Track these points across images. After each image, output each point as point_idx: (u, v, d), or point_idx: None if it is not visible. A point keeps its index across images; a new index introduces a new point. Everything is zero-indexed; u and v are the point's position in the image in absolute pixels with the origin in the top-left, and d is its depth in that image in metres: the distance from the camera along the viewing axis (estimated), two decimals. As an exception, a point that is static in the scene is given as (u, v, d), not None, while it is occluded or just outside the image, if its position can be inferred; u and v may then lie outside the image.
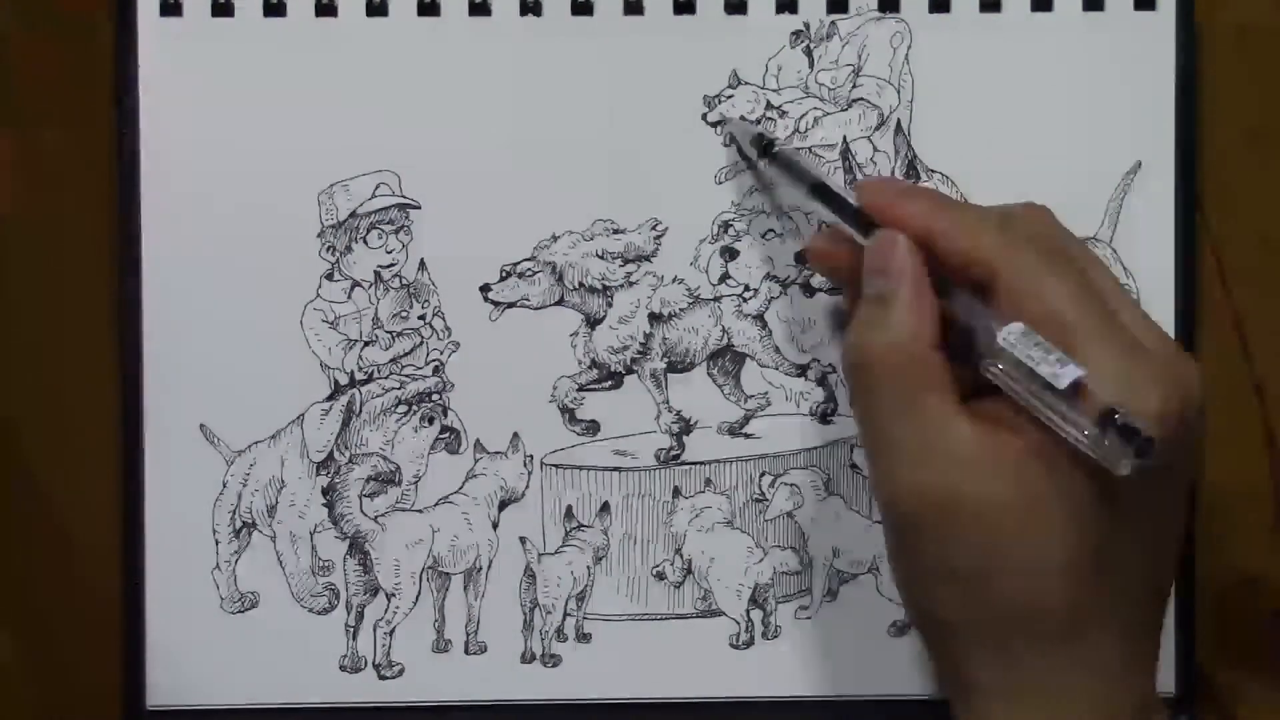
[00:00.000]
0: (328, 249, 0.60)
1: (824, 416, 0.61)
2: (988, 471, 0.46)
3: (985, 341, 0.47)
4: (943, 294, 0.49)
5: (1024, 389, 0.46)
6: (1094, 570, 0.46)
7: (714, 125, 0.60)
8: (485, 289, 0.60)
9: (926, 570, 0.48)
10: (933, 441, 0.47)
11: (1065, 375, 0.45)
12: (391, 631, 0.60)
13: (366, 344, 0.60)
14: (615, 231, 0.60)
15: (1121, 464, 0.44)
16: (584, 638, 0.61)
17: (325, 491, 0.60)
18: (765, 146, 0.58)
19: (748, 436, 0.61)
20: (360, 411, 0.60)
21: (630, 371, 0.61)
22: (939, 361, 0.48)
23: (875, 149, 0.60)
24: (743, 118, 0.59)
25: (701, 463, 0.61)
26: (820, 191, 0.54)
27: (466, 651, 0.61)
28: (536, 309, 0.60)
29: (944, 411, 0.47)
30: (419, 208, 0.60)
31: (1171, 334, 0.60)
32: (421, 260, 0.60)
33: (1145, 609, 0.48)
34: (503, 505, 0.61)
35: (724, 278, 0.61)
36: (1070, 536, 0.46)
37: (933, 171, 0.60)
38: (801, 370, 0.61)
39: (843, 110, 0.60)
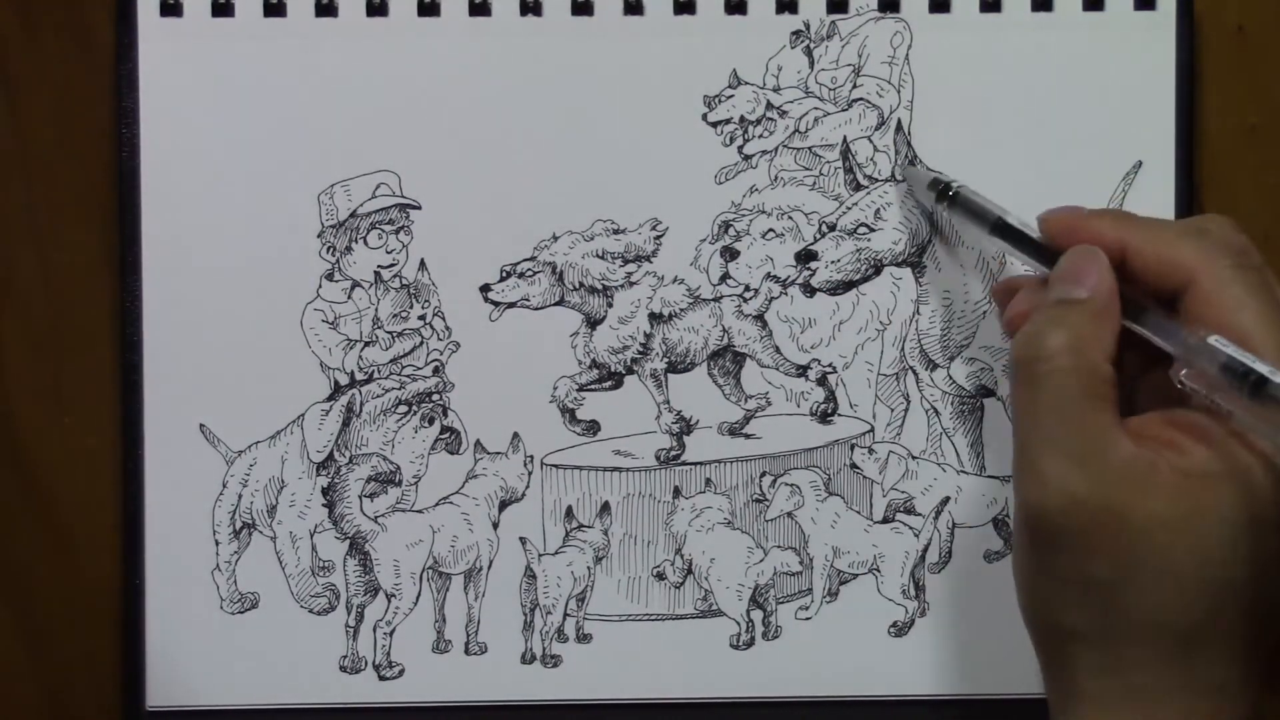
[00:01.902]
0: (328, 249, 0.60)
1: (824, 416, 0.61)
2: (1144, 486, 0.46)
3: (1186, 349, 0.47)
4: (1131, 315, 0.49)
5: (1224, 398, 0.46)
6: (1226, 591, 0.46)
7: (714, 125, 0.60)
8: (485, 289, 0.60)
9: (1059, 575, 0.48)
10: (1093, 449, 0.47)
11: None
12: (391, 632, 0.60)
13: (366, 344, 0.60)
14: (615, 231, 0.60)
15: None
16: (584, 638, 0.60)
17: (325, 492, 0.60)
18: (943, 190, 0.57)
19: (748, 436, 0.61)
20: (360, 411, 0.60)
21: (630, 371, 0.61)
22: (1111, 375, 0.48)
23: (875, 149, 0.60)
24: (916, 163, 0.60)
25: (701, 463, 0.61)
26: (1001, 229, 0.54)
27: (466, 652, 0.61)
28: (536, 309, 0.60)
29: (1108, 422, 0.47)
30: (419, 208, 0.60)
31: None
32: (421, 260, 0.60)
33: (1263, 631, 0.48)
34: (503, 505, 0.61)
35: (724, 278, 0.61)
36: (1212, 558, 0.46)
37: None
38: (801, 370, 0.61)
39: (843, 110, 0.60)
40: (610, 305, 0.60)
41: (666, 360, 0.61)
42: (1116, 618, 0.47)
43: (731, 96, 0.60)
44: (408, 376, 0.60)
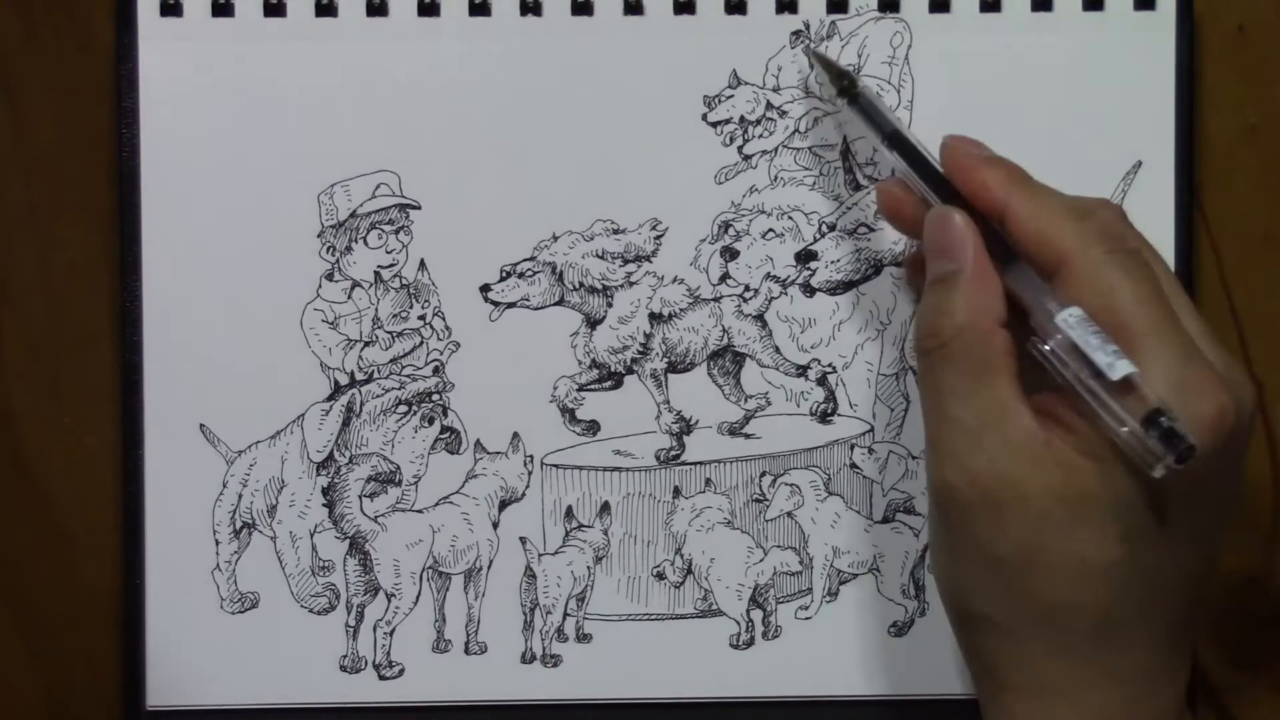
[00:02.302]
0: (328, 249, 0.60)
1: (824, 416, 0.61)
2: (1043, 463, 0.46)
3: (1040, 319, 0.47)
4: (1005, 261, 0.49)
5: (1073, 374, 0.46)
6: (1132, 575, 0.46)
7: (714, 125, 0.60)
8: (485, 289, 0.60)
9: (969, 557, 0.48)
10: (992, 426, 0.47)
11: (1119, 367, 0.45)
12: (391, 631, 0.60)
13: (366, 344, 0.60)
14: (615, 231, 0.60)
15: (1158, 466, 0.44)
16: (584, 638, 0.60)
17: (325, 491, 0.60)
18: (847, 87, 0.55)
19: (748, 436, 0.61)
20: (360, 411, 0.60)
21: (630, 371, 0.61)
22: (1005, 341, 0.48)
23: (875, 149, 0.60)
24: (818, 53, 0.58)
25: (701, 463, 0.61)
26: (897, 142, 0.53)
27: (466, 651, 0.61)
28: (536, 309, 0.60)
29: (1006, 396, 0.47)
30: (419, 208, 0.60)
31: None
32: (421, 260, 0.60)
33: (1179, 620, 0.48)
34: (503, 505, 0.61)
35: (724, 278, 0.61)
36: (1113, 539, 0.46)
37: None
38: (801, 370, 0.61)
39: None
40: (610, 305, 0.60)
41: (666, 360, 0.61)
42: (1025, 602, 0.47)
43: (731, 96, 0.60)
44: (408, 376, 0.60)
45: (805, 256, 0.60)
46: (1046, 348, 0.47)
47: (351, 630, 0.60)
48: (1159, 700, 0.48)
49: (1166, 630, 0.48)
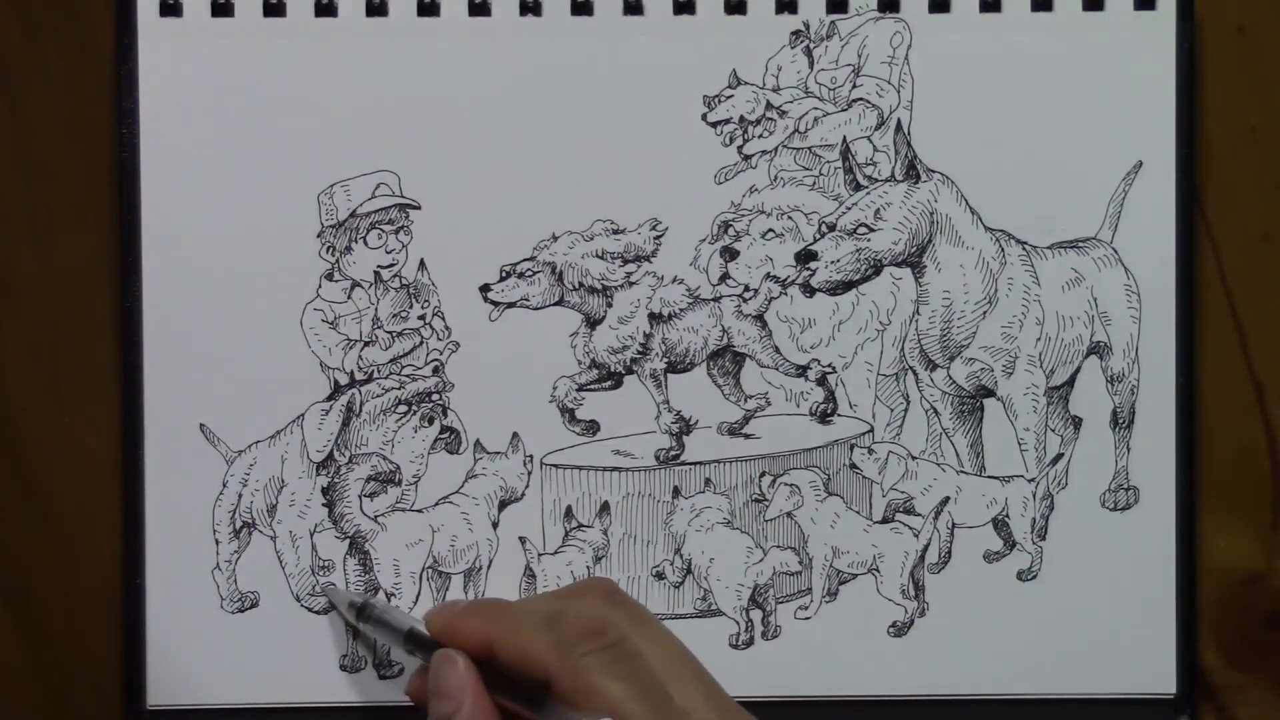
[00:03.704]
0: (328, 249, 0.60)
1: (824, 416, 0.61)
2: None
3: None
4: (538, 708, 0.50)
5: None
6: None
7: (714, 125, 0.60)
8: (485, 289, 0.60)
9: None
10: None
11: None
12: (391, 631, 0.60)
13: (366, 344, 0.60)
14: (615, 231, 0.60)
15: None
16: (584, 638, 0.60)
17: (325, 491, 0.60)
18: (360, 609, 0.57)
19: (748, 436, 0.61)
20: (360, 411, 0.60)
21: (630, 371, 0.61)
22: None
23: (875, 149, 0.60)
24: (330, 591, 0.60)
25: (701, 463, 0.61)
26: (413, 639, 0.55)
27: (466, 651, 0.61)
28: (536, 309, 0.60)
29: None
30: (419, 208, 0.60)
31: (1172, 333, 0.60)
32: (421, 260, 0.60)
33: None
34: (502, 505, 0.61)
35: (724, 278, 0.61)
36: None
37: (933, 171, 0.60)
38: (801, 370, 0.61)
39: (843, 110, 0.60)
40: (610, 305, 0.60)
41: (666, 360, 0.61)
42: None
43: (731, 96, 0.60)
44: (408, 376, 0.60)
45: (805, 256, 0.60)
46: None
47: (352, 630, 0.60)
48: None
49: None
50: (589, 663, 0.48)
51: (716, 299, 0.61)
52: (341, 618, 0.59)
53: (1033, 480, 0.61)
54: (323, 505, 0.60)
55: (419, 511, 0.61)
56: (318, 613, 0.60)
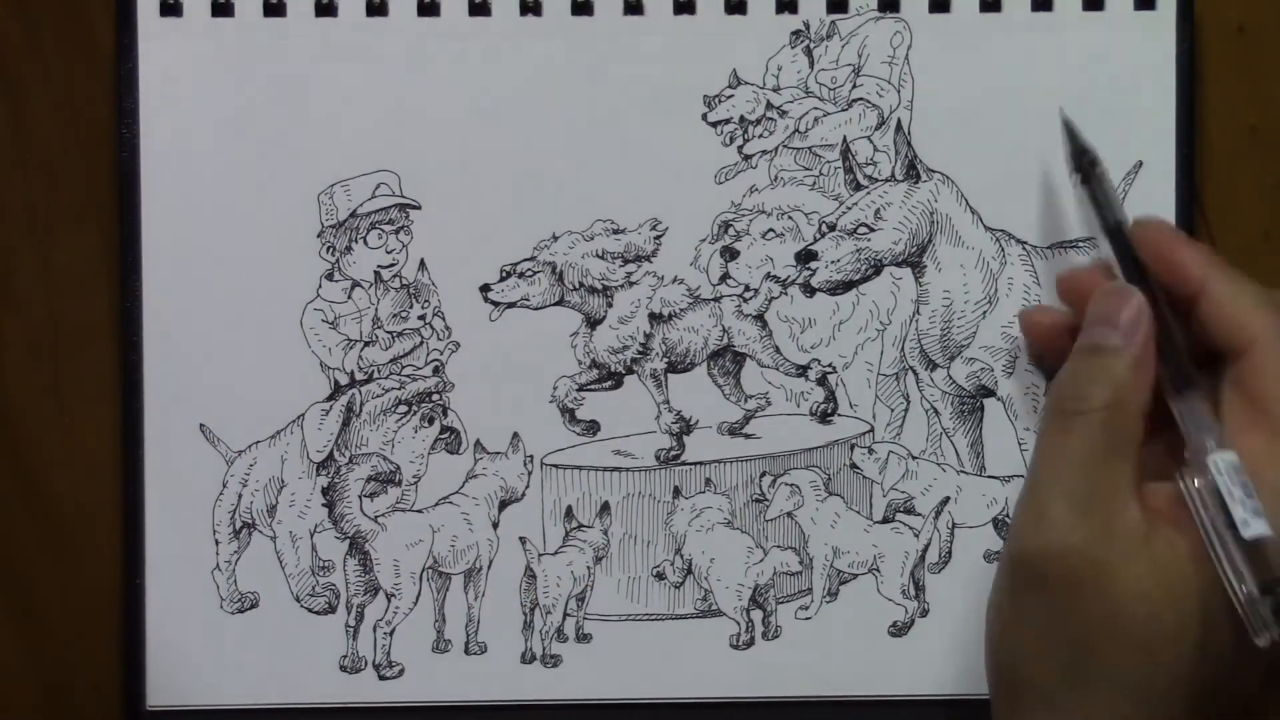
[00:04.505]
0: (328, 249, 0.60)
1: (824, 416, 0.61)
2: (1136, 558, 0.46)
3: (1195, 453, 0.47)
4: (1180, 387, 0.48)
5: (1208, 516, 0.46)
6: (1187, 686, 0.46)
7: (714, 125, 0.60)
8: (485, 289, 0.60)
9: (1034, 624, 0.48)
10: (1102, 506, 0.47)
11: (1254, 526, 0.45)
12: (391, 631, 0.60)
13: (366, 344, 0.60)
14: (615, 231, 0.60)
15: (1262, 635, 0.45)
16: (584, 638, 0.60)
17: (325, 491, 0.60)
18: (1087, 166, 0.55)
19: (748, 436, 0.61)
20: (360, 411, 0.60)
21: (630, 371, 0.61)
22: (1140, 432, 0.48)
23: (875, 149, 0.60)
24: (1069, 124, 0.56)
25: (701, 463, 0.61)
26: (1114, 235, 0.52)
27: (466, 651, 0.61)
28: (536, 309, 0.60)
29: (1125, 484, 0.47)
30: (419, 208, 0.60)
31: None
32: (421, 260, 0.60)
33: (1228, 712, 0.48)
34: (503, 505, 0.61)
35: (724, 278, 0.61)
36: (1182, 646, 0.46)
37: (933, 171, 0.60)
38: (801, 370, 0.61)
39: (843, 110, 0.60)
40: (610, 305, 0.60)
41: (666, 360, 0.61)
42: (1079, 679, 0.47)
43: (731, 96, 0.60)
44: (408, 376, 0.60)
45: (805, 256, 0.60)
46: (1194, 484, 0.46)
47: (351, 630, 0.60)
48: None
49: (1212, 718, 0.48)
50: None
51: (717, 299, 0.61)
52: (1071, 162, 0.55)
53: (1033, 480, 0.61)
54: (323, 505, 0.60)
55: (419, 512, 0.61)
56: (318, 613, 0.60)
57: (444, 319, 0.60)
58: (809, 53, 0.60)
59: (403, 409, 0.60)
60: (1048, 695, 0.48)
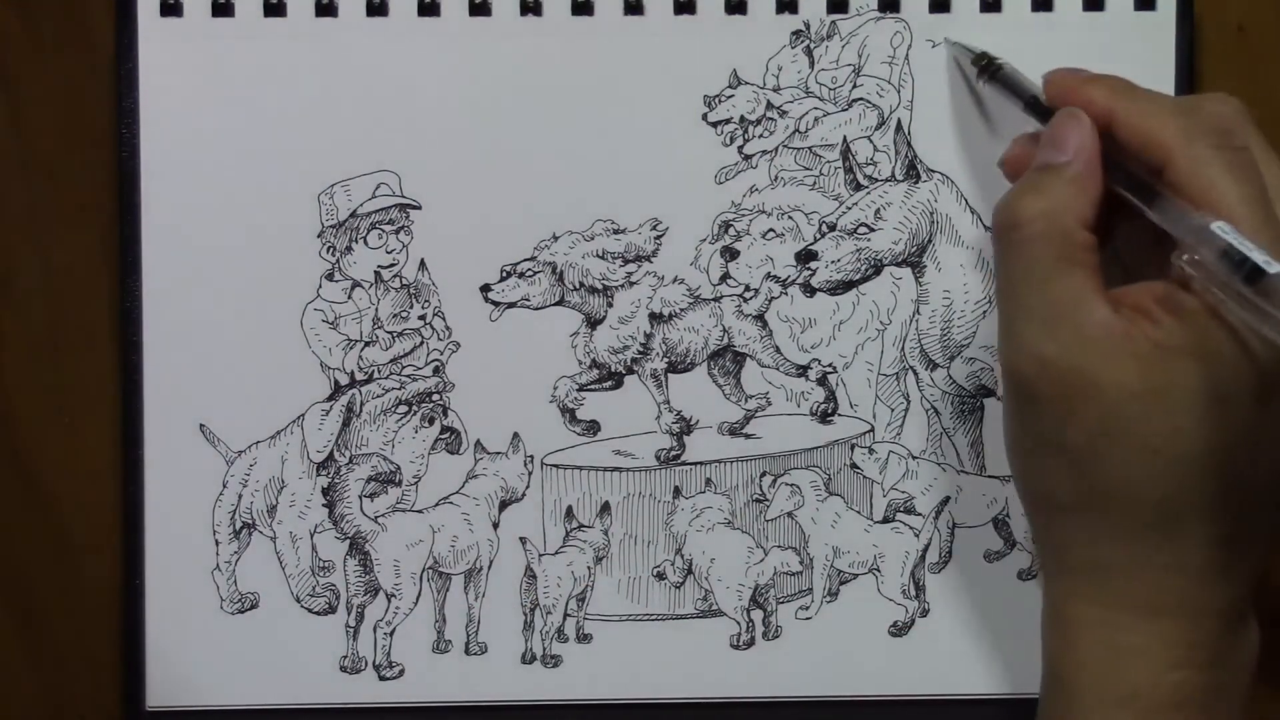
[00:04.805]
0: (328, 249, 0.60)
1: (824, 416, 0.61)
2: (1118, 356, 0.46)
3: (1190, 233, 0.47)
4: (1147, 198, 0.48)
5: (1222, 277, 0.45)
6: (1201, 470, 0.47)
7: (714, 125, 0.60)
8: (485, 289, 0.60)
9: (1039, 441, 0.49)
10: (1066, 315, 0.47)
11: (1277, 265, 0.45)
12: (392, 632, 0.60)
13: (366, 344, 0.60)
14: (615, 231, 0.60)
15: None
16: (584, 638, 0.60)
17: (325, 492, 0.60)
18: (986, 66, 0.57)
19: (748, 436, 0.61)
20: (360, 411, 0.60)
21: (630, 371, 0.61)
22: (1089, 241, 0.48)
23: (875, 149, 0.60)
24: (956, 43, 0.59)
25: (702, 463, 0.61)
26: (1034, 106, 0.54)
27: (466, 652, 0.61)
28: (536, 309, 0.60)
29: (1084, 288, 0.47)
30: (419, 208, 0.60)
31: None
32: (421, 260, 0.60)
33: (1247, 519, 0.48)
34: (503, 505, 0.61)
35: (724, 278, 0.61)
36: (1182, 431, 0.46)
37: (933, 171, 0.60)
38: (801, 370, 0.61)
39: (843, 110, 0.60)
40: (610, 305, 0.60)
41: (666, 360, 0.61)
42: (1093, 486, 0.48)
43: (731, 96, 0.60)
44: (408, 376, 0.60)
45: (805, 256, 0.60)
46: (1190, 257, 0.46)
47: (351, 630, 0.60)
48: (1213, 595, 0.48)
49: (1232, 527, 0.48)
50: (1214, 156, 0.47)
51: (717, 299, 0.61)
52: (960, 73, 0.58)
53: (1033, 480, 0.61)
54: (323, 506, 0.60)
55: (419, 512, 0.61)
56: (318, 613, 0.60)
57: (444, 319, 0.60)
58: (809, 53, 0.60)
59: (403, 409, 0.60)
60: (1066, 506, 0.49)
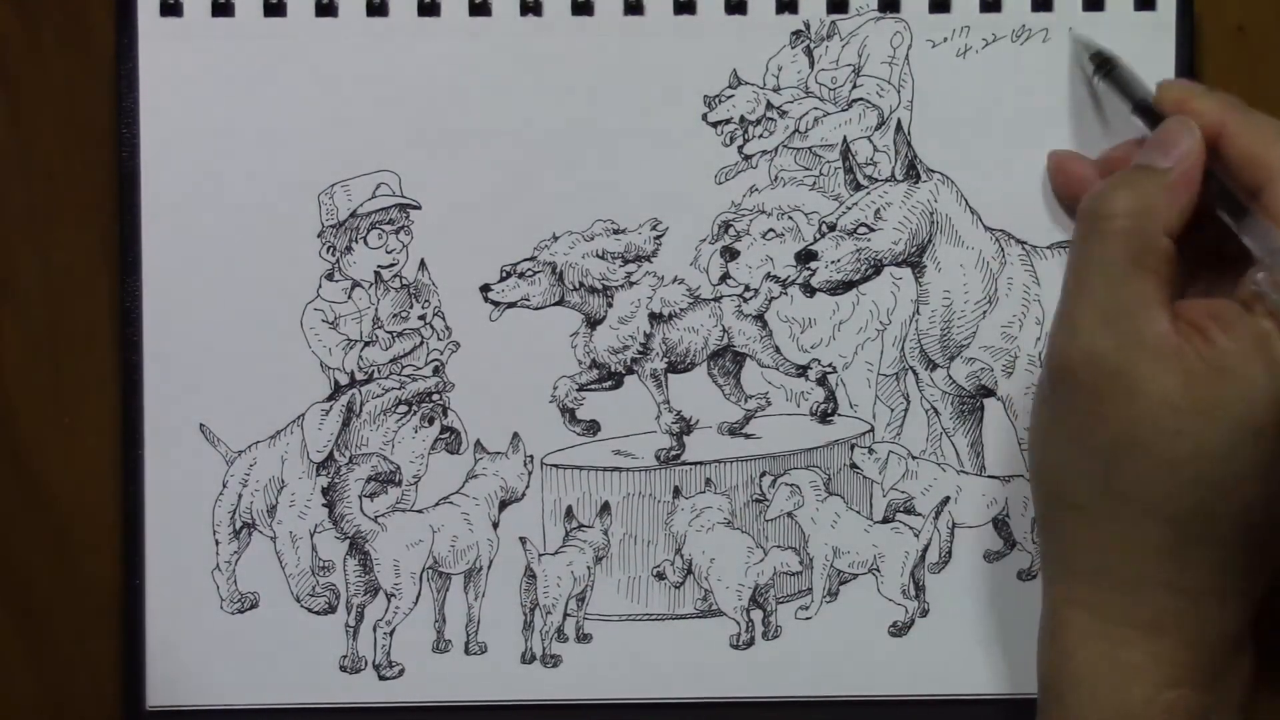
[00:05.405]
0: (328, 249, 0.60)
1: (824, 416, 0.61)
2: (1168, 367, 0.47)
3: (1268, 251, 0.47)
4: (1239, 217, 0.49)
5: None
6: (1217, 490, 0.47)
7: (714, 125, 0.60)
8: (485, 289, 0.60)
9: (1068, 436, 0.49)
10: (1128, 316, 0.48)
11: None
12: (391, 632, 0.60)
13: (366, 344, 0.60)
14: (615, 231, 0.60)
15: None
16: (584, 638, 0.60)
17: (325, 492, 0.60)
18: (1102, 63, 0.57)
19: (748, 436, 0.61)
20: (360, 411, 0.60)
21: (630, 371, 0.61)
22: (1169, 249, 0.49)
23: (875, 149, 0.60)
24: (1078, 38, 0.59)
25: (702, 463, 0.61)
26: (1143, 109, 0.54)
27: (466, 651, 0.61)
28: (536, 309, 0.60)
29: (1153, 296, 0.48)
30: (419, 208, 0.60)
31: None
32: (421, 260, 0.60)
33: (1253, 551, 0.48)
34: (503, 505, 0.61)
35: (724, 278, 0.61)
36: (1210, 453, 0.46)
37: (933, 171, 0.60)
38: (801, 370, 0.61)
39: (843, 110, 0.60)
40: (610, 305, 0.60)
41: (666, 360, 0.61)
42: (1110, 490, 0.48)
43: (731, 96, 0.60)
44: (408, 376, 0.60)
45: (805, 256, 0.60)
46: (1267, 276, 0.47)
47: (351, 630, 0.60)
48: (1213, 619, 0.48)
49: (1240, 556, 0.48)
50: None
51: (717, 299, 0.61)
52: (1080, 69, 0.58)
53: (1033, 480, 0.61)
54: (323, 505, 0.60)
55: (419, 512, 0.61)
56: (318, 613, 0.60)
57: (444, 319, 0.60)
58: (809, 53, 0.60)
59: (403, 409, 0.60)
60: (1082, 506, 0.49)
